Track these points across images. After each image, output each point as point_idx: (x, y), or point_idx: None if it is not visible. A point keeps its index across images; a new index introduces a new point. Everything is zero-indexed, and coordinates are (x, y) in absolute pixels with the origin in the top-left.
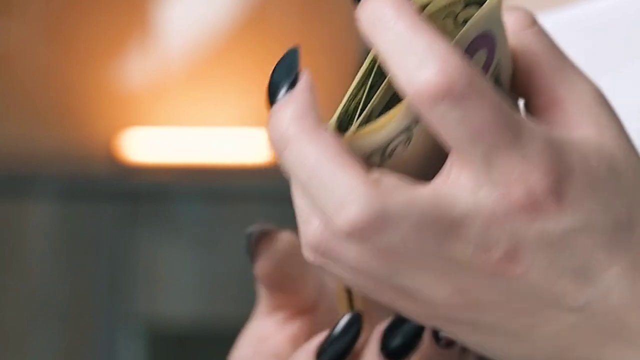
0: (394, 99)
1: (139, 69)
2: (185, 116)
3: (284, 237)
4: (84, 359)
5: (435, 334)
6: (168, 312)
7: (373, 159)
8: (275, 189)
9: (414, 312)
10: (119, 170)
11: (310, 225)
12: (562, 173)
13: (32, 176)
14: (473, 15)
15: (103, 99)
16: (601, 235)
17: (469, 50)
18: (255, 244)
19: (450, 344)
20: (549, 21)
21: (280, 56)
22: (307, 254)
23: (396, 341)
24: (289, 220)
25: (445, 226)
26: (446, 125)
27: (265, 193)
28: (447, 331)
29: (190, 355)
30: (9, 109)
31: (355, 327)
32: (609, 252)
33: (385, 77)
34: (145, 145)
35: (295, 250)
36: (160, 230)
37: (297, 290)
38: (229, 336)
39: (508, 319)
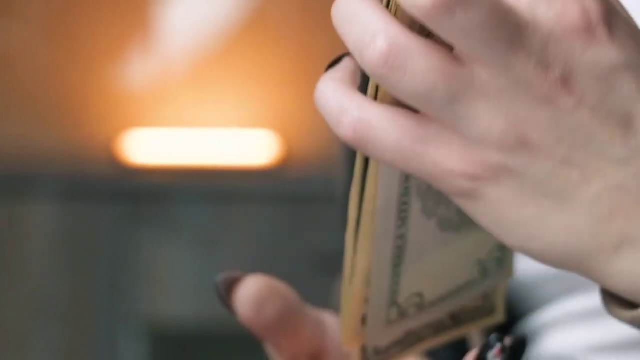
0: None
1: (140, 70)
2: (186, 117)
3: (256, 279)
4: (86, 359)
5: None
6: (169, 312)
7: None
8: (276, 190)
9: (459, 160)
10: (120, 171)
11: (377, 38)
12: (611, 6)
13: (33, 177)
14: None
15: (104, 100)
16: None
17: None
18: (227, 293)
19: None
20: None
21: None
22: (373, 69)
23: None
24: (291, 221)
25: (512, 27)
26: None
27: (266, 194)
28: (489, 201)
29: (190, 356)
30: (10, 110)
31: None
32: None
33: None
34: (146, 147)
35: (275, 290)
36: (161, 231)
37: (297, 332)
38: (229, 336)
39: (555, 170)
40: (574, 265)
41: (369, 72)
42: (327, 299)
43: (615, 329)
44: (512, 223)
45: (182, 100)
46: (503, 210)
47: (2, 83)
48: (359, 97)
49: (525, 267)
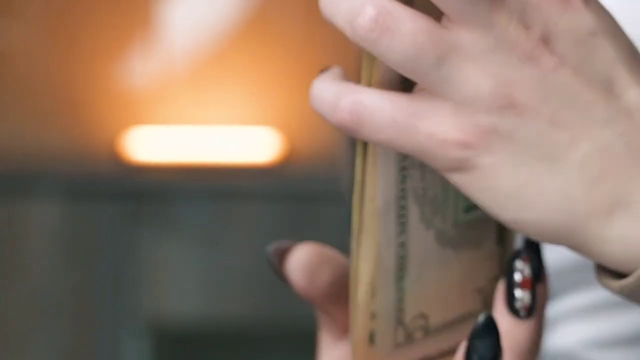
0: None
1: (142, 68)
2: (188, 115)
3: (307, 246)
4: (88, 358)
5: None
6: (171, 310)
7: None
8: (279, 188)
9: (452, 129)
10: (123, 169)
11: (365, 6)
12: None
13: (35, 175)
14: None
15: (106, 98)
16: (620, 48)
17: None
18: (279, 263)
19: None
20: None
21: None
22: (365, 35)
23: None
24: (293, 219)
25: None
26: None
27: (269, 192)
28: (483, 171)
29: (193, 354)
30: (11, 108)
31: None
32: (629, 70)
33: None
34: (148, 145)
35: (326, 257)
36: (163, 229)
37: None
38: (232, 335)
39: (545, 132)
40: (568, 235)
41: (360, 40)
42: None
43: (618, 324)
44: (507, 193)
45: (184, 98)
46: (497, 179)
47: (4, 81)
48: (353, 84)
49: None
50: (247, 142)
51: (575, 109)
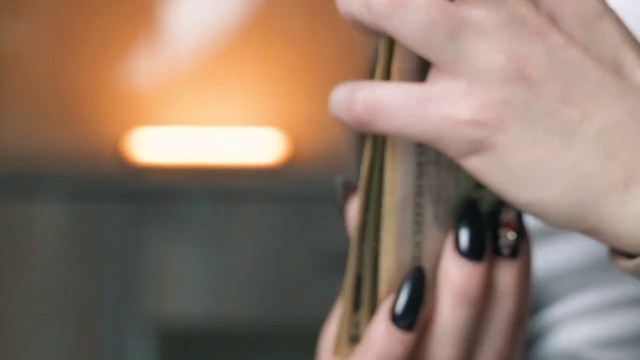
0: None
1: (147, 69)
2: (193, 116)
3: None
4: (93, 359)
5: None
6: (177, 311)
7: None
8: (283, 189)
9: (466, 108)
10: (127, 170)
11: None
12: None
13: (40, 176)
14: None
15: (111, 99)
16: (625, 32)
17: None
18: (344, 198)
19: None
20: None
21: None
22: (380, 11)
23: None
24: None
25: None
26: None
27: (273, 193)
28: (499, 150)
29: (199, 355)
30: (17, 109)
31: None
32: (636, 53)
33: None
34: (154, 145)
35: None
36: (167, 229)
37: None
38: (237, 335)
39: (557, 107)
40: (585, 215)
41: (376, 18)
42: (332, 299)
43: (622, 324)
44: (524, 172)
45: (188, 98)
46: (513, 158)
47: (9, 82)
48: (368, 81)
49: (536, 265)
50: (251, 143)
51: (585, 86)
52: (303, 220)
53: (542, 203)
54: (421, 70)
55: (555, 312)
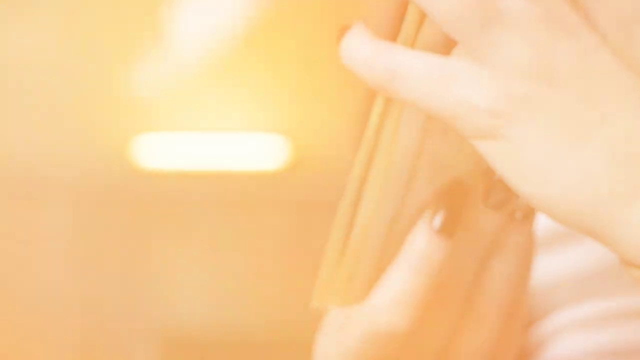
0: None
1: (152, 75)
2: (199, 122)
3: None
4: None
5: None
6: (181, 316)
7: None
8: (287, 195)
9: (485, 96)
10: (132, 176)
11: None
12: None
13: (47, 181)
14: None
15: (118, 105)
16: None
17: None
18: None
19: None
20: None
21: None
22: None
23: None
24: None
25: None
26: None
27: (278, 199)
28: (510, 140)
29: (202, 359)
30: (24, 115)
31: None
32: None
33: None
34: (159, 151)
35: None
36: (172, 235)
37: None
38: (242, 341)
39: (575, 106)
40: (587, 216)
41: None
42: None
43: (622, 335)
44: (531, 165)
45: (193, 105)
46: (523, 151)
47: (16, 87)
48: (389, 43)
49: (536, 274)
50: (256, 149)
51: (609, 90)
52: (307, 226)
53: (545, 198)
54: (447, 43)
55: (554, 322)
